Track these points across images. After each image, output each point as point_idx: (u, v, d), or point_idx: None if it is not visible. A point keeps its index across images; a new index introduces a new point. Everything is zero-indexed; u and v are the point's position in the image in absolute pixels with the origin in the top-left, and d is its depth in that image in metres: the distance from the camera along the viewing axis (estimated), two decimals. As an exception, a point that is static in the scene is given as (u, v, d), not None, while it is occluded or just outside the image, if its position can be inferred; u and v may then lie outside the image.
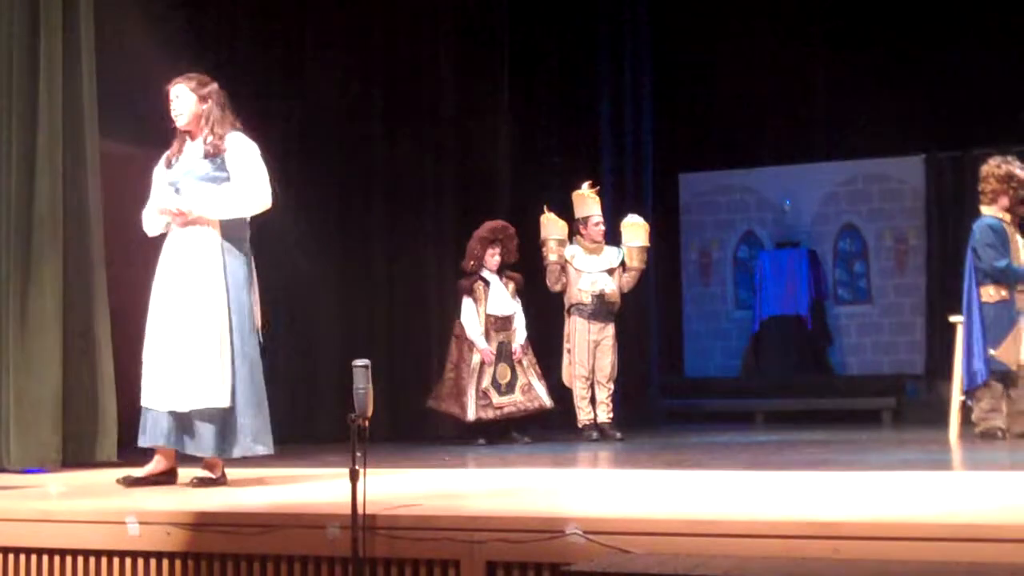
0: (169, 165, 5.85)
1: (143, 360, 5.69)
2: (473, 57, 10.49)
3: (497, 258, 9.16)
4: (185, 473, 5.75)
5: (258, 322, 5.78)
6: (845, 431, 10.06)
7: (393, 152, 10.11)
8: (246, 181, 5.73)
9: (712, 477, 5.82)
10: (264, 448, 5.68)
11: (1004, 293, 8.27)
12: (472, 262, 9.14)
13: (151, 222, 5.84)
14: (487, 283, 9.13)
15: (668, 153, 13.09)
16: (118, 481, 5.60)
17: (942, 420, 8.89)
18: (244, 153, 5.78)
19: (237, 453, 5.64)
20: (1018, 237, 8.45)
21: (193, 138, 5.82)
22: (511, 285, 9.22)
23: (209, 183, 5.71)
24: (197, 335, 5.56)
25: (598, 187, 9.60)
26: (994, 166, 8.43)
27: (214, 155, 5.74)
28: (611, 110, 12.03)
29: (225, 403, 5.55)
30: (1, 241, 6.91)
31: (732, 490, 5.05)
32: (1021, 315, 8.32)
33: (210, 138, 5.75)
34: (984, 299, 8.29)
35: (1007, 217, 8.39)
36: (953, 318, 8.59)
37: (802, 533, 3.73)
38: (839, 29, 13.31)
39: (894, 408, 12.47)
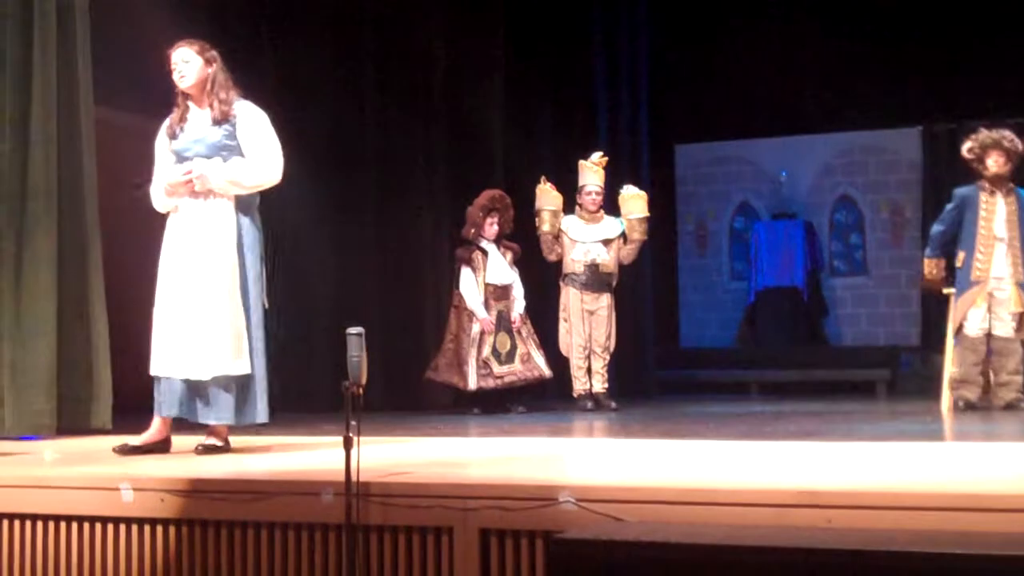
0: (173, 135, 5.74)
1: (155, 329, 5.64)
2: (467, 25, 10.43)
3: (495, 227, 9.15)
4: (186, 442, 5.76)
5: (265, 291, 5.78)
6: (840, 402, 10.09)
7: (386, 120, 10.06)
8: (261, 157, 5.67)
9: (706, 447, 5.83)
10: (266, 415, 5.70)
11: None
12: (472, 230, 9.12)
13: (161, 198, 5.73)
14: (485, 252, 9.12)
15: (663, 124, 13.04)
16: (114, 450, 5.60)
17: (936, 392, 8.92)
18: (257, 125, 5.71)
19: (250, 420, 5.65)
20: None
21: (199, 104, 5.73)
22: (509, 254, 9.22)
23: (220, 152, 5.63)
24: (216, 303, 5.54)
25: (606, 159, 9.54)
26: (966, 151, 8.50)
27: (222, 121, 5.65)
28: (607, 80, 11.98)
29: (246, 370, 5.57)
30: (-4, 210, 6.90)
31: (726, 460, 5.06)
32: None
33: (217, 103, 5.67)
34: None
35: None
36: (947, 290, 8.60)
37: (795, 502, 3.74)
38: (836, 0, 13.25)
39: (889, 380, 12.49)
